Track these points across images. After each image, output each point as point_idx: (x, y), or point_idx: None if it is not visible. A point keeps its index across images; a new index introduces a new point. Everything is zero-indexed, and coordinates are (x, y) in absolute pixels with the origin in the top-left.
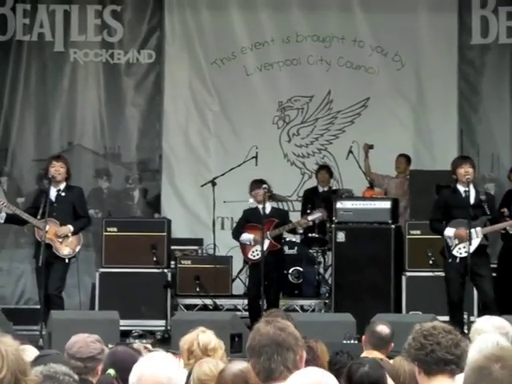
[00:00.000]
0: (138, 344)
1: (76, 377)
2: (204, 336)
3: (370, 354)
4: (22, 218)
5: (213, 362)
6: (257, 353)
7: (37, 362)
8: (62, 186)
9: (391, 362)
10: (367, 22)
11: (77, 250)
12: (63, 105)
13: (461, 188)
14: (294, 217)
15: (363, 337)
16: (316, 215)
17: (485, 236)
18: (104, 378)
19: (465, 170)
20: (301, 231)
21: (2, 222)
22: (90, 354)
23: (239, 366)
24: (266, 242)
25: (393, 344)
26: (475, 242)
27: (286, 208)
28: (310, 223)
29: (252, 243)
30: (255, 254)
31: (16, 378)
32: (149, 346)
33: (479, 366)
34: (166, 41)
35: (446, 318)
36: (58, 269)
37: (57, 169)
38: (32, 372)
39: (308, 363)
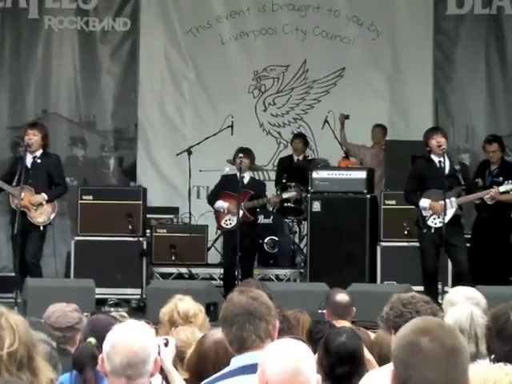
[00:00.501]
0: (114, 313)
1: (54, 344)
2: (183, 304)
3: (338, 323)
4: None
5: (189, 330)
6: (229, 322)
7: None
8: (39, 153)
9: (373, 335)
10: None
11: (51, 217)
12: (38, 72)
13: (435, 158)
14: (270, 186)
15: (325, 311)
16: (290, 194)
17: (459, 206)
18: (84, 346)
19: (437, 141)
20: (270, 208)
21: None
22: (69, 323)
23: (220, 333)
24: (240, 213)
25: (354, 309)
26: (450, 213)
27: (261, 178)
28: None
29: (225, 211)
30: (228, 222)
31: (28, 350)
32: (125, 315)
33: (409, 342)
34: (141, 9)
35: (421, 288)
36: (34, 237)
37: (30, 137)
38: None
39: (282, 333)
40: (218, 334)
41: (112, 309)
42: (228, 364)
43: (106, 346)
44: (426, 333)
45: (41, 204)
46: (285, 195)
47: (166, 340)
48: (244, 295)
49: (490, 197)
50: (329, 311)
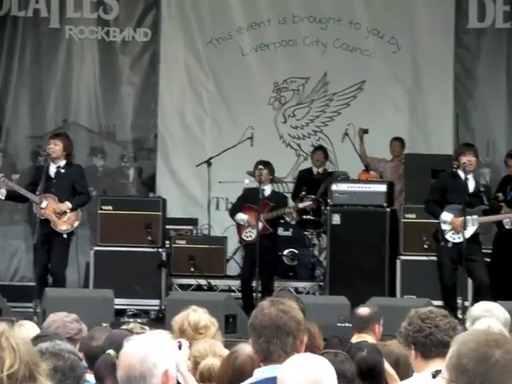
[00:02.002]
0: (133, 324)
1: (81, 355)
2: (194, 315)
3: (359, 337)
4: (21, 194)
5: (209, 342)
6: (257, 333)
7: (37, 341)
8: (62, 162)
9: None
10: (364, 3)
11: (75, 225)
12: (58, 82)
13: (461, 174)
14: (289, 198)
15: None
16: (305, 203)
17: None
18: (104, 357)
19: (467, 159)
20: (288, 219)
21: (3, 198)
22: (68, 334)
23: (250, 348)
24: (260, 225)
25: (377, 325)
26: (471, 230)
27: (280, 190)
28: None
29: (246, 224)
30: (248, 235)
31: (30, 369)
32: (145, 327)
33: (484, 355)
34: (162, 19)
35: (441, 303)
36: (58, 247)
37: (51, 146)
38: (43, 363)
39: (306, 347)
40: (248, 348)
41: (131, 319)
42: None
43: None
44: (498, 345)
45: (65, 212)
46: (300, 205)
47: (180, 343)
48: (274, 307)
49: (510, 221)
50: (352, 322)
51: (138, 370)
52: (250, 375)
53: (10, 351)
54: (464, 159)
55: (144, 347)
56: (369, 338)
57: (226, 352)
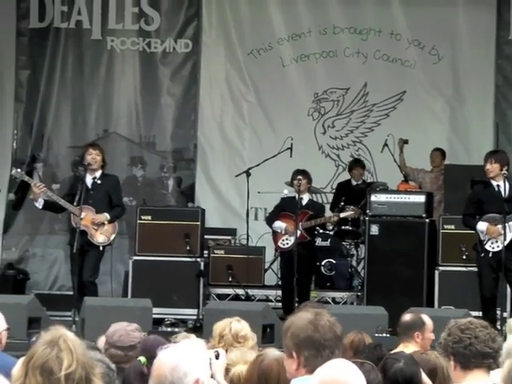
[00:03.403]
0: (183, 333)
1: (113, 366)
2: (237, 324)
3: (404, 347)
4: (59, 204)
5: (241, 351)
6: (321, 345)
7: None
8: (98, 173)
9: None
10: (405, 15)
11: (112, 238)
12: (99, 92)
13: (494, 183)
14: (327, 208)
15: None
16: (348, 213)
17: None
18: (134, 364)
19: (487, 167)
20: (330, 227)
21: (40, 207)
22: (131, 342)
23: (277, 352)
24: (298, 233)
25: (417, 334)
26: (509, 237)
27: (319, 200)
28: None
29: (283, 232)
30: (285, 242)
31: (86, 371)
32: (188, 335)
33: None
34: (202, 31)
35: (479, 314)
36: (92, 256)
37: (93, 156)
38: (97, 366)
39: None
40: (275, 352)
41: (169, 329)
42: (287, 382)
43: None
44: None
45: (102, 224)
46: (342, 214)
47: (217, 352)
48: (325, 319)
49: None
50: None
51: (169, 380)
52: (276, 379)
53: (67, 352)
54: (486, 166)
55: (176, 356)
56: (412, 347)
57: None
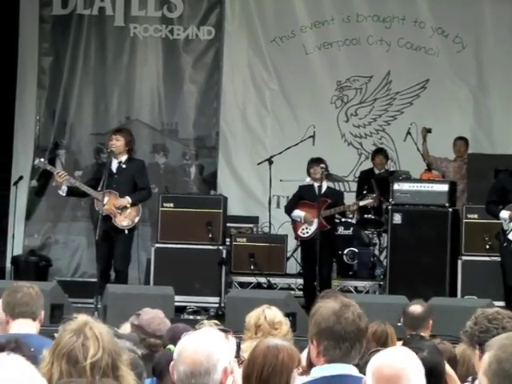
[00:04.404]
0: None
1: (140, 353)
2: (270, 311)
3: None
4: (82, 190)
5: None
6: (340, 337)
7: None
8: (124, 158)
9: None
10: (429, 2)
11: (136, 220)
12: (122, 80)
13: None
14: (350, 197)
15: (400, 319)
16: (367, 201)
17: None
18: (163, 353)
19: None
20: (350, 215)
21: (64, 194)
22: (165, 330)
23: (277, 341)
24: (316, 222)
25: (431, 321)
26: None
27: (341, 188)
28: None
29: (302, 221)
30: (305, 231)
31: (112, 358)
32: (218, 322)
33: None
34: (225, 18)
35: (502, 304)
36: (120, 243)
37: (113, 142)
38: (124, 353)
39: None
40: (274, 340)
41: (191, 317)
42: (276, 370)
43: (174, 354)
44: None
45: (125, 207)
46: (361, 202)
47: (241, 361)
48: (351, 311)
49: None
50: (403, 321)
51: (205, 366)
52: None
53: (94, 340)
54: None
55: (209, 343)
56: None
57: None
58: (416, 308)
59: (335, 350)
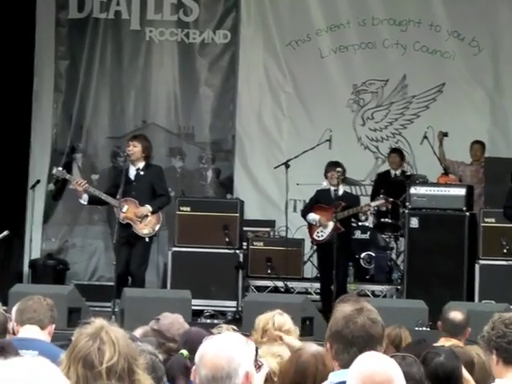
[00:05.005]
0: (225, 326)
1: (161, 357)
2: (280, 317)
3: (447, 341)
4: (102, 198)
5: (282, 347)
6: (348, 342)
7: None
8: (141, 164)
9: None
10: (444, 6)
11: (156, 228)
12: (138, 84)
13: None
14: (367, 201)
15: (438, 323)
16: (378, 202)
17: None
18: (176, 357)
19: None
20: (363, 218)
21: (86, 203)
22: None
23: (315, 347)
24: (331, 225)
25: (469, 329)
26: None
27: (358, 192)
28: (372, 210)
29: (317, 224)
30: (320, 234)
31: (128, 362)
32: (235, 328)
33: None
34: (241, 22)
35: None
36: (139, 248)
37: (130, 148)
38: (141, 357)
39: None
40: (314, 346)
41: (208, 320)
42: (325, 377)
43: (196, 358)
44: None
45: (146, 216)
46: (373, 203)
47: (259, 364)
48: (364, 316)
49: None
50: (441, 325)
51: (226, 370)
52: (313, 375)
53: (110, 345)
54: None
55: (230, 347)
56: (457, 343)
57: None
58: (456, 315)
59: (344, 354)
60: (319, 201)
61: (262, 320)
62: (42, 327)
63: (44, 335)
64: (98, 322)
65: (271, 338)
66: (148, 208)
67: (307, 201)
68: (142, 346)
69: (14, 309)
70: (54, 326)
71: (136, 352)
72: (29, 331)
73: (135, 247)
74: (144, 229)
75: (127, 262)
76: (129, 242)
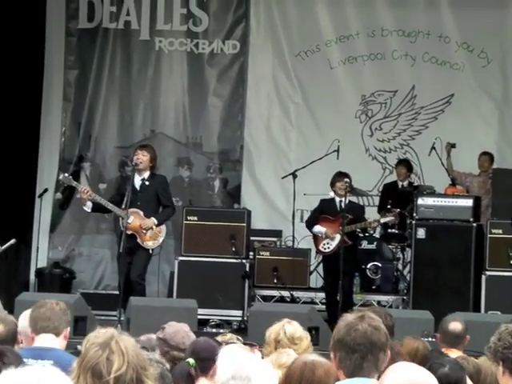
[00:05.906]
0: (230, 334)
1: (168, 365)
2: (290, 326)
3: (448, 351)
4: (106, 207)
5: (277, 354)
6: (350, 349)
7: None
8: (146, 174)
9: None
10: (454, 17)
11: (160, 240)
12: (147, 93)
13: None
14: (375, 212)
15: (437, 335)
16: (388, 218)
17: None
18: (180, 365)
19: None
20: (372, 232)
21: (89, 211)
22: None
23: (312, 356)
24: (338, 237)
25: (468, 337)
26: None
27: (365, 203)
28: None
29: (324, 236)
30: (326, 246)
31: (137, 372)
32: (241, 339)
33: None
34: (250, 32)
35: None
36: (140, 256)
37: (139, 157)
38: (151, 367)
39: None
40: (312, 356)
41: (214, 330)
42: None
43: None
44: None
45: (151, 228)
46: (382, 220)
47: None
48: (365, 323)
49: None
50: (440, 337)
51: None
52: (299, 380)
53: (119, 354)
54: None
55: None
56: (458, 353)
57: None
58: (456, 326)
59: (346, 361)
60: (324, 211)
61: (272, 332)
62: (58, 334)
63: (59, 341)
64: (109, 331)
65: (285, 348)
66: (153, 221)
67: (311, 211)
68: (149, 355)
69: (23, 316)
70: (68, 328)
71: (146, 362)
72: (44, 340)
73: (136, 255)
74: (148, 241)
75: (129, 271)
76: (131, 250)
